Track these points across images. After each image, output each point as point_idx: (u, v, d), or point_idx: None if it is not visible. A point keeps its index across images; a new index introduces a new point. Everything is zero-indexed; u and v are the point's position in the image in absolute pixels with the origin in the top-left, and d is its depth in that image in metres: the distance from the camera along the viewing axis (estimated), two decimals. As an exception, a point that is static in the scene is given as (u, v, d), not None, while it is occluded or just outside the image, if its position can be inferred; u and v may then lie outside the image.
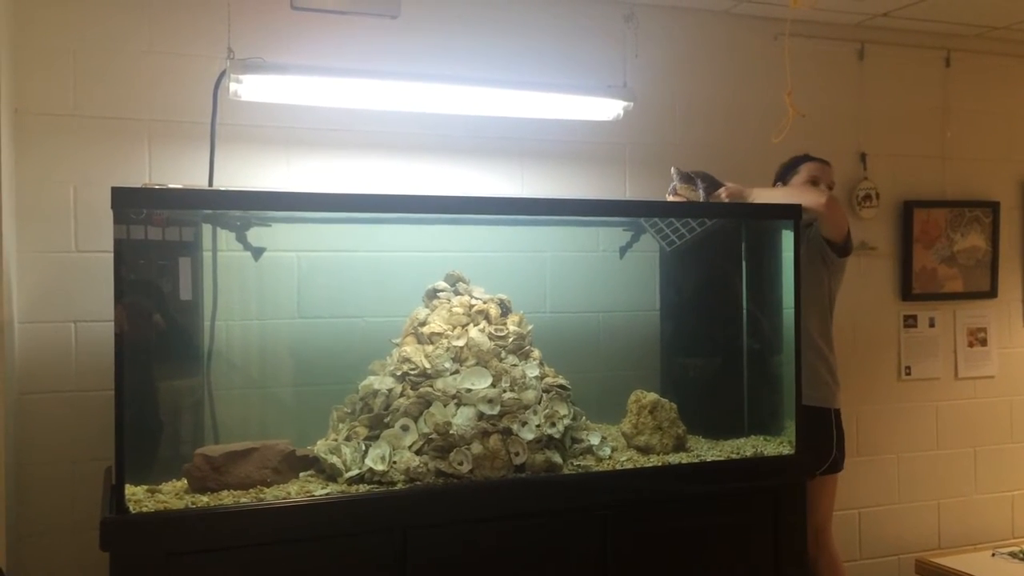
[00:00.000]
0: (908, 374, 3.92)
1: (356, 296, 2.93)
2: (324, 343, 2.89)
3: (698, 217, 2.88)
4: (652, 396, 2.80)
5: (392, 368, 2.60)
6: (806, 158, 3.16)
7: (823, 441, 3.04)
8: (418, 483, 2.37)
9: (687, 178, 2.93)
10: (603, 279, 3.26)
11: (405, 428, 2.46)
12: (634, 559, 2.53)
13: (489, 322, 2.71)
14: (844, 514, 3.75)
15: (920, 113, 3.92)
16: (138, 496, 2.24)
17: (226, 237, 2.71)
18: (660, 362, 3.19)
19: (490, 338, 2.65)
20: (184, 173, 2.84)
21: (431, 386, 2.53)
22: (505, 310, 2.78)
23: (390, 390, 2.53)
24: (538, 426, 2.51)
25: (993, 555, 3.79)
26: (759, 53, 3.58)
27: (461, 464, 2.40)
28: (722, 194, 2.90)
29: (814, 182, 3.07)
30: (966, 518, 4.01)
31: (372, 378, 2.60)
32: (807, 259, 2.98)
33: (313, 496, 2.29)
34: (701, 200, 2.91)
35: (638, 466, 2.61)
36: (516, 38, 3.27)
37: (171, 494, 2.28)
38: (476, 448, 2.42)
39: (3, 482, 2.33)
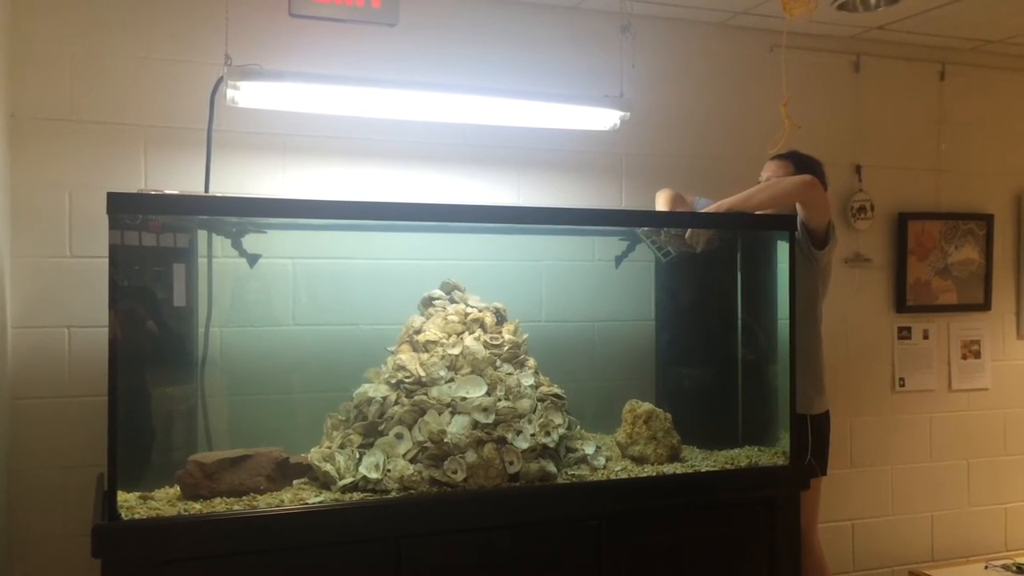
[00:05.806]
0: (902, 386, 3.92)
1: (351, 303, 2.93)
2: (319, 350, 2.89)
3: (696, 228, 2.88)
4: (647, 406, 2.80)
5: (387, 376, 2.60)
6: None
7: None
8: (412, 492, 2.36)
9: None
10: (599, 288, 3.26)
11: (399, 436, 2.45)
12: (628, 569, 2.52)
13: (484, 330, 2.71)
14: (837, 526, 3.75)
15: (915, 125, 3.93)
16: (130, 503, 2.23)
17: (222, 243, 2.71)
18: (655, 372, 3.19)
19: (485, 347, 2.65)
20: (180, 179, 2.83)
21: (426, 394, 2.53)
22: (500, 319, 2.78)
23: (385, 398, 2.52)
24: (533, 435, 2.50)
25: (986, 567, 3.80)
26: (755, 64, 3.59)
27: (455, 473, 2.40)
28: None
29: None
30: (959, 530, 4.01)
31: (367, 386, 2.59)
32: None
33: (306, 504, 2.28)
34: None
35: (632, 476, 2.61)
36: (513, 47, 3.28)
37: (163, 501, 2.27)
38: (471, 457, 2.42)
39: (-6, 488, 2.32)
